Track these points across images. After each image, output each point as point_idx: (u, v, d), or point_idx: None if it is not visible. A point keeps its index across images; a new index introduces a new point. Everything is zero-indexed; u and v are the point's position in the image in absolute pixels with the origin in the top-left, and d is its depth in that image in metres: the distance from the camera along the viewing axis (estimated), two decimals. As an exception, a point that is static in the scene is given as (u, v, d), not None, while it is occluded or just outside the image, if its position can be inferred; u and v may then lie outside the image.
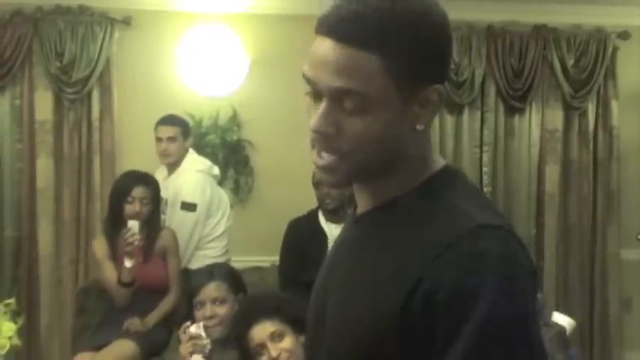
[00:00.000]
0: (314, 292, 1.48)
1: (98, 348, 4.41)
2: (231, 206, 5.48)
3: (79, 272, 5.75)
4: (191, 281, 3.78)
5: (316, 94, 1.28)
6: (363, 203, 1.39)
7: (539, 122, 6.28)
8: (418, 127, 1.27)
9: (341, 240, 1.48)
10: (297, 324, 3.16)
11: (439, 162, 1.36)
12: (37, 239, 5.73)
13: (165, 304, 4.64)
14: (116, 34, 5.73)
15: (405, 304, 1.18)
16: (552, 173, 6.26)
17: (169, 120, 5.07)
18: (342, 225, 4.66)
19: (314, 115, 1.27)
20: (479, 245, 1.16)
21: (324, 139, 1.27)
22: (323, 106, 1.25)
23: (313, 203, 5.07)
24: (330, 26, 1.23)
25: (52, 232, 5.74)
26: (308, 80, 1.28)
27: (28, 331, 5.48)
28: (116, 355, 4.35)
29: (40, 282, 5.74)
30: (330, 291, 1.37)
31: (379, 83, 1.21)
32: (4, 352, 3.59)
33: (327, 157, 1.29)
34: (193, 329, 3.43)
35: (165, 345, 4.50)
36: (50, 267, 5.74)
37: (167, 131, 5.01)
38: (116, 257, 4.53)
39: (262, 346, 3.09)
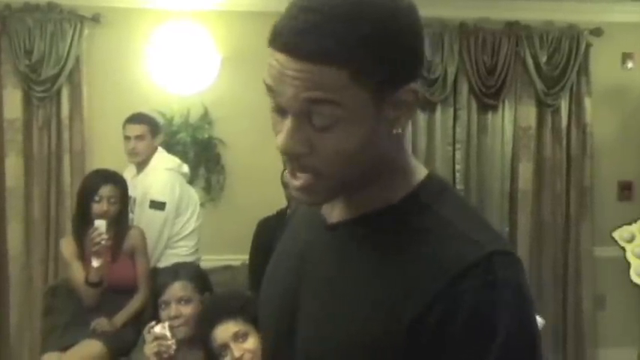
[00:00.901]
0: (270, 298, 1.39)
1: (66, 348, 4.36)
2: (203, 205, 5.46)
3: (48, 271, 5.73)
4: (156, 280, 3.73)
5: (281, 109, 1.17)
6: (339, 208, 1.29)
7: (512, 119, 6.28)
8: (395, 131, 1.18)
9: (304, 245, 1.35)
10: (260, 323, 3.14)
11: (420, 168, 1.28)
12: (7, 238, 5.71)
13: (134, 304, 4.59)
14: (85, 32, 5.69)
15: (412, 326, 1.12)
16: (525, 170, 6.26)
17: (137, 118, 5.02)
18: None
19: (281, 132, 1.16)
20: (495, 274, 1.12)
21: (295, 158, 1.17)
22: (288, 123, 1.14)
23: (284, 202, 5.05)
24: (285, 42, 1.11)
25: (22, 231, 5.72)
26: (269, 90, 1.16)
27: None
28: (83, 356, 4.30)
29: (9, 281, 5.72)
30: (302, 301, 1.28)
31: (349, 95, 1.10)
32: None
33: (302, 177, 1.18)
34: (158, 329, 3.38)
35: (133, 345, 4.42)
36: (20, 266, 5.72)
37: (135, 130, 4.96)
38: (84, 257, 4.48)
39: (225, 347, 3.06)
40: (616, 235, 5.53)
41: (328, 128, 1.12)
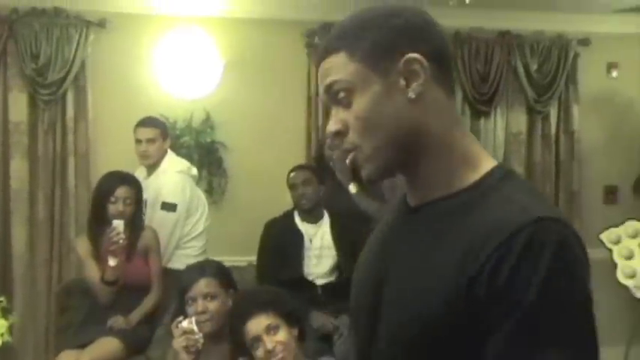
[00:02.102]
0: (361, 281, 1.56)
1: (82, 346, 4.46)
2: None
3: (52, 272, 5.78)
4: (182, 277, 3.85)
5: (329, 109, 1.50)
6: (415, 196, 1.48)
7: (503, 125, 6.47)
8: (410, 95, 1.38)
9: (391, 230, 1.54)
10: (290, 317, 3.28)
11: (489, 160, 1.45)
12: (11, 239, 5.75)
13: (148, 302, 4.71)
14: (91, 37, 5.77)
15: (470, 284, 1.27)
16: (516, 175, 6.42)
17: (149, 122, 5.15)
18: (316, 224, 4.83)
19: None
20: (537, 236, 1.25)
21: (340, 140, 1.44)
22: (331, 113, 1.46)
23: (286, 204, 5.20)
24: (314, 58, 1.54)
25: (26, 232, 5.77)
26: (326, 105, 1.52)
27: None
28: (101, 352, 4.41)
29: (13, 282, 5.76)
30: (388, 280, 1.44)
31: (349, 69, 1.40)
32: (-4, 347, 3.65)
33: (349, 157, 1.44)
34: (185, 324, 3.50)
35: (148, 342, 4.58)
36: (24, 267, 5.77)
37: (146, 133, 5.08)
38: (99, 256, 4.59)
39: (258, 339, 3.19)
40: (603, 237, 5.71)
41: (349, 103, 1.41)
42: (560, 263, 1.24)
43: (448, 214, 1.39)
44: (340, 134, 1.43)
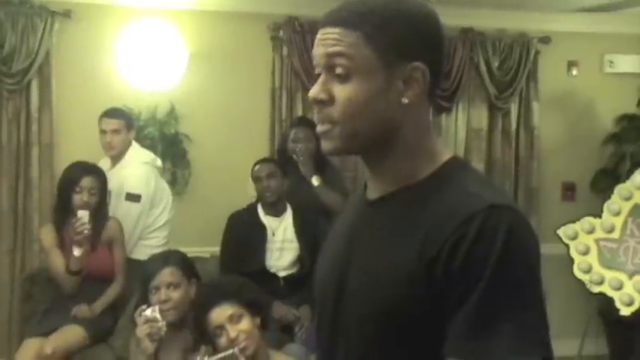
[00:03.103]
0: (324, 272, 1.63)
1: (46, 334, 4.48)
2: (170, 198, 5.60)
3: (15, 262, 5.76)
4: (146, 267, 3.90)
5: (317, 76, 1.49)
6: (375, 189, 1.55)
7: (465, 121, 6.57)
8: (403, 100, 1.44)
9: (352, 222, 1.61)
10: (252, 306, 3.34)
11: (446, 152, 1.53)
12: (-26, 229, 5.73)
13: (112, 292, 4.74)
14: (56, 27, 5.76)
15: (429, 266, 1.36)
16: (477, 171, 6.52)
17: (113, 113, 5.16)
18: (279, 217, 4.88)
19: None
20: (490, 221, 1.34)
21: (319, 108, 1.47)
22: (320, 78, 1.47)
23: (249, 196, 5.24)
24: (325, 18, 1.48)
25: (-11, 222, 5.75)
26: (315, 65, 1.50)
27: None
28: (65, 340, 4.44)
29: (-24, 271, 5.75)
30: (350, 268, 1.52)
31: (362, 52, 1.42)
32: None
33: (322, 127, 1.48)
34: (149, 312, 3.56)
35: (111, 331, 4.63)
36: (-14, 256, 5.75)
37: (111, 124, 5.09)
38: (64, 245, 4.62)
39: (221, 328, 3.25)
40: (560, 232, 5.80)
41: (345, 79, 1.43)
42: (511, 245, 1.33)
43: (407, 204, 1.47)
44: (322, 103, 1.46)
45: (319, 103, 1.47)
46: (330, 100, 1.46)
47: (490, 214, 1.35)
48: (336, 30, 1.44)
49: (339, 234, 1.65)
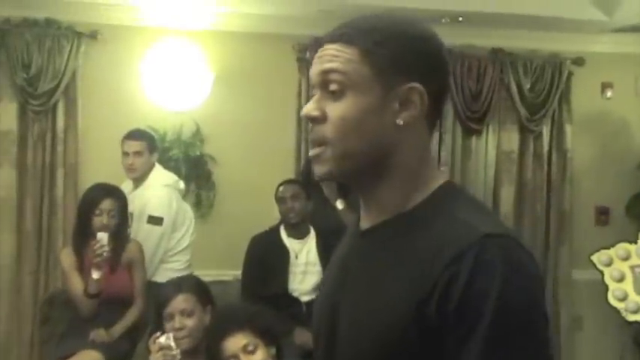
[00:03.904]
0: (319, 304, 1.57)
1: (63, 358, 4.44)
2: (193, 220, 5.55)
3: (39, 283, 5.77)
4: (159, 294, 3.83)
5: (313, 96, 1.45)
6: (367, 218, 1.47)
7: (495, 144, 6.46)
8: (398, 121, 1.37)
9: (346, 253, 1.54)
10: (267, 336, 3.25)
11: (440, 178, 1.45)
12: (-2, 249, 5.73)
13: (130, 316, 4.69)
14: (82, 48, 5.78)
15: (418, 308, 1.27)
16: (507, 194, 6.43)
17: (136, 134, 5.13)
18: (302, 240, 4.82)
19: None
20: (485, 253, 1.25)
21: (312, 127, 1.41)
22: (314, 96, 1.43)
23: (274, 218, 5.18)
24: (325, 36, 1.44)
25: (14, 242, 5.75)
26: (312, 86, 1.47)
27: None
28: (82, 365, 4.40)
29: (0, 292, 5.74)
30: (342, 303, 1.45)
31: (357, 68, 1.37)
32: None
33: (316, 150, 1.42)
34: (163, 340, 3.49)
35: (129, 356, 4.55)
36: (10, 277, 5.75)
37: (133, 146, 5.07)
38: (83, 268, 4.58)
39: (235, 358, 3.16)
40: (594, 258, 5.68)
41: (339, 96, 1.38)
42: (511, 281, 1.24)
43: (396, 236, 1.39)
44: (316, 121, 1.41)
45: (312, 120, 1.42)
46: (323, 118, 1.40)
47: (485, 246, 1.26)
48: (334, 46, 1.41)
49: (334, 266, 1.59)
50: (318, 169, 1.43)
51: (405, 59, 1.38)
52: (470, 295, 1.23)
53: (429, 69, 1.40)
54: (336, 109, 1.39)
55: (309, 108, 1.42)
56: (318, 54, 1.43)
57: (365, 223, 1.48)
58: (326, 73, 1.40)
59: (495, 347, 1.22)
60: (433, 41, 1.43)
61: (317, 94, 1.43)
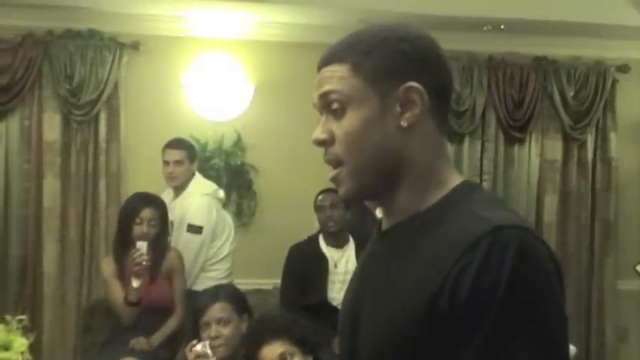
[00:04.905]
0: (343, 307, 1.58)
1: (104, 366, 4.48)
2: (234, 229, 5.56)
3: (82, 291, 5.83)
4: (196, 302, 3.84)
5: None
6: (387, 221, 1.48)
7: (538, 152, 6.39)
8: (402, 123, 1.39)
9: (368, 255, 1.56)
10: (305, 345, 3.23)
11: (457, 178, 1.44)
12: (43, 257, 5.80)
13: (170, 324, 4.70)
14: (125, 59, 5.85)
15: (432, 302, 1.26)
16: (551, 203, 6.36)
17: (176, 143, 5.17)
18: (341, 249, 4.81)
19: None
20: (496, 245, 1.23)
21: (325, 150, 1.45)
22: (321, 119, 1.46)
23: (314, 227, 5.17)
24: (320, 59, 1.47)
25: (57, 251, 5.81)
26: (317, 109, 1.49)
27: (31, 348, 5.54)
28: (122, 374, 4.41)
29: (43, 300, 5.80)
30: (363, 304, 1.45)
31: (351, 83, 1.40)
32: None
33: (333, 172, 1.44)
34: (199, 348, 3.50)
35: (168, 364, 4.58)
36: (54, 285, 5.81)
37: (174, 155, 5.11)
38: (123, 277, 4.61)
39: (273, 366, 3.16)
40: (639, 268, 5.61)
41: (342, 114, 1.41)
42: (521, 270, 1.23)
43: (413, 233, 1.40)
44: (325, 143, 1.43)
45: (321, 144, 1.45)
46: (332, 140, 1.43)
47: (496, 236, 1.25)
48: (329, 68, 1.44)
49: (358, 268, 1.62)
50: (340, 191, 1.46)
51: (394, 63, 1.40)
52: (480, 284, 1.23)
53: (421, 67, 1.41)
54: (340, 127, 1.41)
55: (317, 132, 1.45)
56: (316, 80, 1.46)
57: (386, 224, 1.49)
58: (324, 95, 1.43)
59: (503, 337, 1.22)
60: (420, 40, 1.43)
61: (323, 118, 1.45)
